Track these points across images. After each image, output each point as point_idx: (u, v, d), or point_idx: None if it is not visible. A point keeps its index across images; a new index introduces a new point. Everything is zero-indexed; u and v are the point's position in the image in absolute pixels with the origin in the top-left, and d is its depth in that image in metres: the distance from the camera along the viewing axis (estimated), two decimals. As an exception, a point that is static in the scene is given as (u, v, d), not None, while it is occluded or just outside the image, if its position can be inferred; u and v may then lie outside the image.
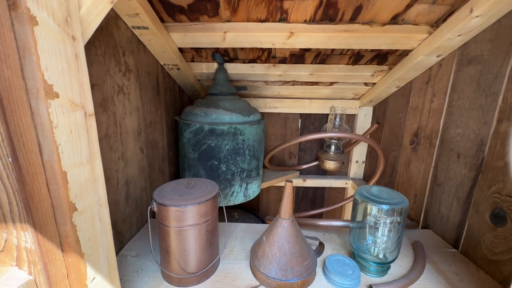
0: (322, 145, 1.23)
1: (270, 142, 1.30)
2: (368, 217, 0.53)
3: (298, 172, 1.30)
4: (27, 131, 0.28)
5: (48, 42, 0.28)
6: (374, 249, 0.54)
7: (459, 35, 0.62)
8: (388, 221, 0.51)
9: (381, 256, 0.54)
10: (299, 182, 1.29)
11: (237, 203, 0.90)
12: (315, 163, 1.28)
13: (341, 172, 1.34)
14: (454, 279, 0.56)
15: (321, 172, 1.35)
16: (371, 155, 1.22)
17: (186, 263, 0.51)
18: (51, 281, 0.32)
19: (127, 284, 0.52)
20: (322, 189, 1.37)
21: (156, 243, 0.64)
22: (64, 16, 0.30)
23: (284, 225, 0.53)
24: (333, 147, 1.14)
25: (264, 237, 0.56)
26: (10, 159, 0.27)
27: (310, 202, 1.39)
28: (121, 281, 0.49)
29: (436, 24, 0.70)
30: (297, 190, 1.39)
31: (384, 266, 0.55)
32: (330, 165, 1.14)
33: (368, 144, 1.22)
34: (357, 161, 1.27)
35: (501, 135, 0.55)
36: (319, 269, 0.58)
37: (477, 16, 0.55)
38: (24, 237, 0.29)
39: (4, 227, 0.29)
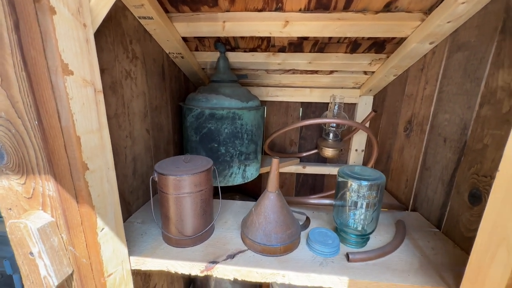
0: (322, 134, 1.26)
1: (272, 130, 1.35)
2: (348, 192, 0.58)
3: (298, 160, 1.35)
4: (49, 101, 0.35)
5: (64, 28, 0.35)
6: (354, 222, 0.59)
7: (448, 22, 0.64)
8: (366, 195, 0.55)
9: (360, 228, 0.59)
10: (299, 169, 1.33)
11: (235, 184, 0.96)
12: (315, 151, 1.32)
13: (341, 160, 1.37)
14: (429, 253, 0.60)
15: (321, 160, 1.39)
16: (370, 144, 1.24)
17: (183, 227, 0.58)
18: (68, 224, 0.40)
19: (133, 244, 0.60)
20: (322, 176, 1.41)
21: (158, 210, 0.72)
22: (77, 6, 0.37)
23: (270, 197, 0.59)
24: (331, 135, 1.17)
25: (253, 209, 0.62)
26: (36, 122, 0.34)
27: (309, 189, 1.44)
28: (127, 241, 0.57)
29: (429, 11, 0.71)
30: (297, 177, 1.43)
31: (363, 238, 0.60)
32: (328, 152, 1.17)
33: (367, 135, 1.24)
34: (356, 150, 1.29)
35: (481, 119, 0.57)
36: (303, 240, 0.63)
37: (463, 3, 0.57)
38: (48, 186, 0.37)
39: (32, 178, 0.37)
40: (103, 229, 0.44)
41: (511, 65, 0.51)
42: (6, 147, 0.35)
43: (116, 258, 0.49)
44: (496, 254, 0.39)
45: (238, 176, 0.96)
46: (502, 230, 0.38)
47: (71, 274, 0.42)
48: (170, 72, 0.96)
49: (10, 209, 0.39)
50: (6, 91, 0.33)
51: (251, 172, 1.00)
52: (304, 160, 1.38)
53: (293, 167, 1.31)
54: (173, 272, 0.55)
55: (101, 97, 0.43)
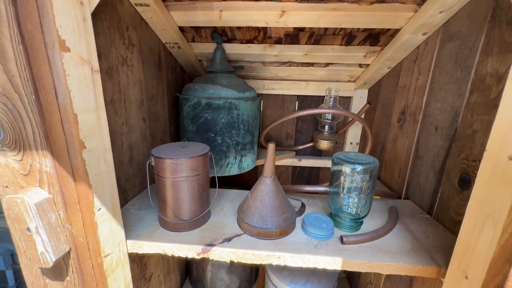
0: (317, 127, 1.27)
1: (268, 123, 1.36)
2: (343, 177, 0.59)
3: (294, 153, 1.36)
4: (46, 76, 0.35)
5: (62, 4, 0.35)
6: (348, 206, 0.60)
7: (440, 12, 0.65)
8: (360, 179, 0.57)
9: (353, 212, 0.60)
10: (294, 162, 1.35)
11: (232, 174, 0.97)
12: (311, 144, 1.33)
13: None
14: (420, 236, 0.61)
15: (317, 153, 1.40)
16: (364, 137, 1.26)
17: (180, 211, 0.58)
18: (66, 202, 0.40)
19: (129, 228, 0.60)
20: (317, 169, 1.43)
21: (155, 197, 0.72)
22: (74, -17, 0.37)
23: (266, 182, 0.60)
24: (327, 127, 1.19)
25: (249, 194, 0.63)
26: (33, 97, 0.34)
27: (305, 181, 1.46)
28: (124, 226, 0.57)
29: (422, 1, 0.72)
30: (293, 170, 1.45)
31: (357, 221, 0.61)
32: (324, 144, 1.19)
33: (362, 127, 1.26)
34: (351, 143, 1.31)
35: (471, 106, 0.59)
36: (298, 225, 0.64)
37: (454, -8, 0.58)
38: (45, 162, 0.37)
39: (29, 154, 0.37)
40: (100, 209, 0.45)
41: (499, 51, 0.52)
42: (3, 122, 0.35)
43: (113, 240, 0.49)
44: (483, 230, 0.41)
45: (235, 166, 0.96)
46: (488, 206, 0.40)
47: (68, 252, 0.42)
48: (167, 63, 0.96)
49: (6, 186, 0.39)
50: (3, 64, 0.33)
51: (247, 163, 1.01)
52: (300, 153, 1.39)
53: (289, 160, 1.33)
54: (170, 255, 0.56)
55: (98, 76, 0.43)
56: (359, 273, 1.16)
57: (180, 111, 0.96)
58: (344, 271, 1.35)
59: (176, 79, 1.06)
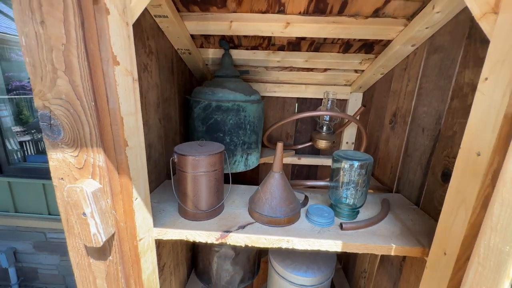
0: (316, 127, 1.36)
1: (269, 124, 1.44)
2: (342, 172, 0.68)
3: (294, 151, 1.45)
4: (101, 86, 0.42)
5: (114, 26, 0.42)
6: (346, 197, 0.69)
7: (426, 28, 0.74)
8: (357, 173, 0.65)
9: (351, 202, 0.69)
10: (294, 160, 1.43)
11: (238, 171, 1.04)
12: (309, 143, 1.42)
13: (333, 152, 1.48)
14: (408, 223, 0.70)
15: (315, 152, 1.49)
16: (359, 137, 1.35)
17: (199, 202, 0.66)
18: (112, 191, 0.47)
19: (154, 218, 0.67)
20: (315, 167, 1.52)
21: (174, 190, 0.79)
22: (122, 7, 0.44)
23: (275, 177, 0.68)
24: (325, 128, 1.28)
25: (259, 187, 0.71)
26: (93, 103, 0.41)
27: (304, 178, 1.54)
28: (148, 216, 0.64)
29: (411, 17, 0.82)
30: (293, 168, 1.53)
31: (354, 211, 0.70)
32: (322, 144, 1.28)
33: (357, 128, 1.36)
34: (347, 142, 1.40)
35: (452, 110, 0.69)
36: (303, 215, 0.73)
37: (438, 12, 0.67)
38: (98, 157, 0.44)
39: (85, 151, 0.44)
40: (136, 198, 0.52)
41: (474, 65, 0.62)
42: (64, 124, 0.42)
43: (145, 226, 0.56)
44: (458, 214, 0.50)
45: (241, 163, 1.04)
46: (462, 194, 0.49)
47: (113, 235, 0.49)
48: (178, 67, 1.03)
49: (62, 178, 0.45)
50: (69, 77, 0.40)
51: (252, 161, 1.09)
52: (299, 152, 1.48)
53: (289, 159, 1.41)
54: (191, 240, 0.63)
55: (136, 85, 0.50)
56: (354, 263, 1.25)
57: (190, 112, 1.03)
58: (340, 263, 1.45)
59: (185, 82, 1.13)
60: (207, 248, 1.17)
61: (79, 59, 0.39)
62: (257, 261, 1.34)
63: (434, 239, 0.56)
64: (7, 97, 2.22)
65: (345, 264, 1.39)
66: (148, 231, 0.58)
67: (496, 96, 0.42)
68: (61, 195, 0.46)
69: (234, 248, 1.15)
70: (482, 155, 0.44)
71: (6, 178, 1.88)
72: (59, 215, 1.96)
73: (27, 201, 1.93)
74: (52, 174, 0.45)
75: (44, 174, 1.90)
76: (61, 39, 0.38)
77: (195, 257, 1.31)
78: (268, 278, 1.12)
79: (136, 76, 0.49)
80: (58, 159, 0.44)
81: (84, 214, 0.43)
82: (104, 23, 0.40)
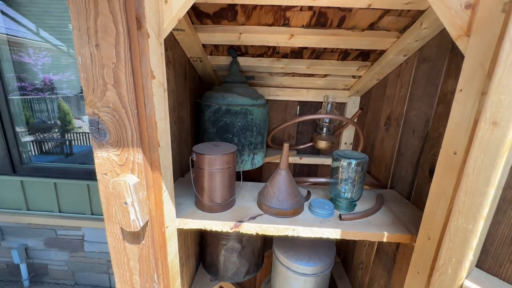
0: (316, 129, 1.45)
1: (273, 125, 1.53)
2: (341, 169, 0.77)
3: (296, 152, 1.54)
4: (140, 96, 0.51)
5: (152, 46, 0.51)
6: (345, 192, 0.78)
7: (416, 40, 0.83)
8: (354, 169, 0.74)
9: (349, 196, 0.78)
10: (296, 159, 1.52)
11: (245, 169, 1.13)
12: (310, 144, 1.51)
13: (332, 152, 1.57)
14: (400, 215, 0.79)
15: (315, 152, 1.58)
16: (357, 138, 1.44)
17: (214, 196, 0.74)
18: (147, 185, 0.55)
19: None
20: (316, 166, 1.61)
21: (187, 186, 0.87)
22: (158, 31, 0.53)
23: (282, 173, 0.77)
24: (325, 129, 1.37)
25: (267, 183, 0.79)
26: (136, 111, 0.50)
27: (305, 177, 1.63)
28: (169, 208, 0.73)
29: (403, 30, 0.91)
30: (294, 167, 1.62)
31: (351, 203, 0.79)
32: (322, 144, 1.36)
33: (355, 129, 1.45)
34: (345, 143, 1.49)
35: (438, 114, 0.78)
36: (306, 208, 0.81)
37: (425, 28, 0.76)
38: (137, 156, 0.53)
39: (126, 150, 0.52)
40: (165, 191, 0.60)
41: (456, 75, 0.71)
42: (110, 128, 0.51)
43: (170, 215, 0.65)
44: (439, 204, 0.59)
45: (248, 162, 1.13)
46: (442, 187, 0.58)
47: (147, 222, 0.57)
48: (190, 73, 1.12)
49: (105, 173, 0.54)
50: (116, 89, 0.49)
51: (258, 160, 1.17)
52: (300, 152, 1.56)
53: (291, 158, 1.50)
54: (209, 229, 0.72)
55: (166, 94, 0.58)
56: (352, 256, 1.34)
57: (201, 115, 1.11)
58: (339, 256, 1.53)
59: (195, 87, 1.22)
60: (215, 241, 1.26)
61: (126, 75, 0.48)
62: (261, 254, 1.43)
63: (421, 227, 0.65)
64: (9, 97, 2.26)
65: (343, 258, 1.48)
66: (172, 220, 0.67)
67: (468, 105, 0.51)
68: (104, 188, 0.55)
69: (241, 241, 1.24)
70: (458, 153, 0.53)
71: (19, 177, 1.96)
72: (69, 213, 2.04)
73: (38, 199, 2.00)
74: (96, 170, 0.54)
75: (56, 173, 1.98)
76: (112, 58, 0.47)
77: (203, 251, 1.39)
78: (272, 269, 1.21)
79: (166, 87, 0.58)
80: (103, 157, 0.53)
81: (125, 203, 0.51)
82: (145, 45, 0.49)
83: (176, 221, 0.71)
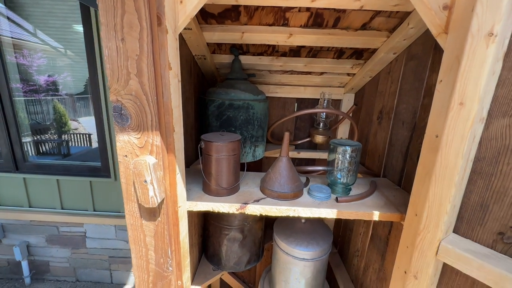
0: (314, 124, 1.53)
1: (272, 121, 1.59)
2: (337, 155, 0.84)
3: (294, 147, 1.61)
4: (159, 85, 0.57)
5: (170, 41, 0.57)
6: (341, 177, 0.85)
7: (404, 39, 0.92)
8: (349, 155, 0.81)
9: (344, 181, 0.85)
10: (294, 154, 1.59)
11: (248, 161, 1.19)
12: (308, 139, 1.58)
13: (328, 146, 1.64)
14: (390, 198, 0.87)
15: (313, 147, 1.65)
16: (352, 132, 1.52)
17: (221, 181, 0.81)
18: (163, 165, 0.62)
19: (182, 195, 0.81)
20: (313, 160, 1.68)
21: (195, 172, 0.93)
22: (174, 27, 0.59)
23: (283, 160, 0.83)
24: (322, 125, 1.44)
25: (270, 169, 0.86)
26: (156, 98, 0.56)
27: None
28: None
29: (393, 30, 0.99)
30: (292, 161, 1.69)
31: (347, 188, 0.86)
32: (319, 138, 1.44)
33: (350, 124, 1.53)
34: (341, 138, 1.57)
35: (424, 106, 0.85)
36: (305, 193, 0.88)
37: (411, 28, 0.84)
38: (156, 139, 0.59)
39: (146, 134, 0.58)
40: (178, 173, 0.66)
41: (439, 70, 0.78)
42: (131, 113, 0.57)
43: (182, 197, 0.71)
44: (424, 183, 0.66)
45: (250, 155, 1.19)
46: (427, 168, 0.65)
47: (163, 200, 0.63)
48: (194, 70, 1.18)
49: (126, 155, 0.60)
50: (138, 78, 0.55)
51: (259, 152, 1.24)
52: (298, 147, 1.64)
53: (289, 153, 1.57)
54: (216, 211, 0.78)
55: (180, 84, 0.65)
56: (348, 246, 1.41)
57: (205, 109, 1.18)
58: (336, 247, 1.60)
59: (199, 83, 1.28)
60: (217, 232, 1.32)
61: (148, 66, 0.54)
62: (262, 245, 1.49)
63: (409, 205, 0.72)
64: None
65: (340, 248, 1.55)
66: (183, 201, 0.73)
67: (446, 94, 0.59)
68: (124, 169, 0.61)
69: (242, 231, 1.29)
70: (439, 137, 0.61)
71: (22, 174, 1.99)
72: (72, 209, 2.07)
73: (41, 196, 2.03)
74: (118, 152, 0.60)
75: (59, 170, 2.01)
76: (136, 51, 0.53)
77: (205, 242, 1.45)
78: (273, 257, 1.27)
79: (180, 78, 0.64)
80: (124, 140, 0.59)
81: (145, 181, 0.57)
82: (164, 39, 0.55)
83: (187, 203, 0.77)
